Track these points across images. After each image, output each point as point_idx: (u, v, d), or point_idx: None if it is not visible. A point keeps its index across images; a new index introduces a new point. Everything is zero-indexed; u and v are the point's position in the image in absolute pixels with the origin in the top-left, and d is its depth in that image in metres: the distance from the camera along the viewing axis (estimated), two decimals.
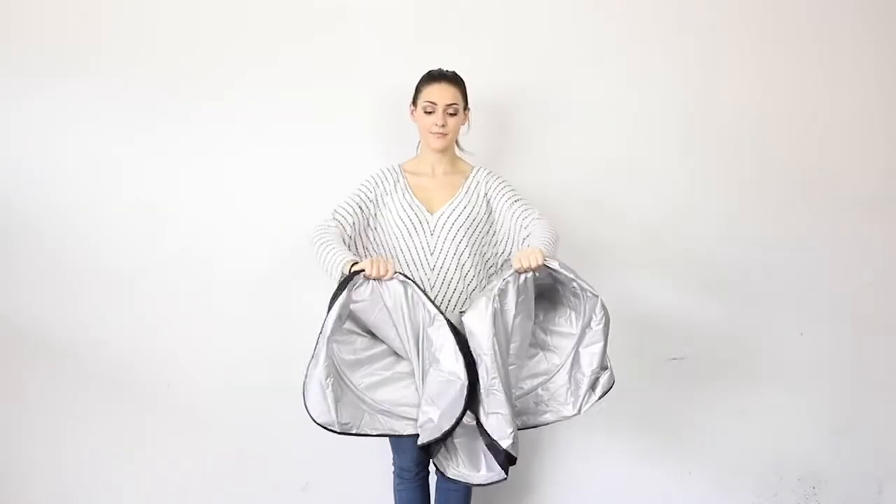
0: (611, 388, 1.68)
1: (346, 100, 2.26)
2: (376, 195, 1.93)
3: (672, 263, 2.46)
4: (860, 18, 2.46)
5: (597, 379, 1.66)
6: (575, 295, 1.69)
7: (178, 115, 2.21)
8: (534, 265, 1.66)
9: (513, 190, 1.95)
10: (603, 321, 1.65)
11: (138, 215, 2.23)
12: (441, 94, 1.90)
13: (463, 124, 2.00)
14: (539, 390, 1.74)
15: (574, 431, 2.51)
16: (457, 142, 2.05)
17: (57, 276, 2.22)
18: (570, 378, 1.70)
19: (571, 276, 1.63)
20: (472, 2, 2.29)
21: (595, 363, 1.65)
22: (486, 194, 1.93)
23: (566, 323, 1.74)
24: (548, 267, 1.65)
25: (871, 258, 2.56)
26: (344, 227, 1.89)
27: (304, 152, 2.27)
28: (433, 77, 1.94)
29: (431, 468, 2.08)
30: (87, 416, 2.30)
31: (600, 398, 1.68)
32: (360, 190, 1.95)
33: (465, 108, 1.98)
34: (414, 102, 1.97)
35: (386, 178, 1.96)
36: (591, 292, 1.64)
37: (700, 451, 2.57)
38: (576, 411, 1.68)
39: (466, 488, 2.06)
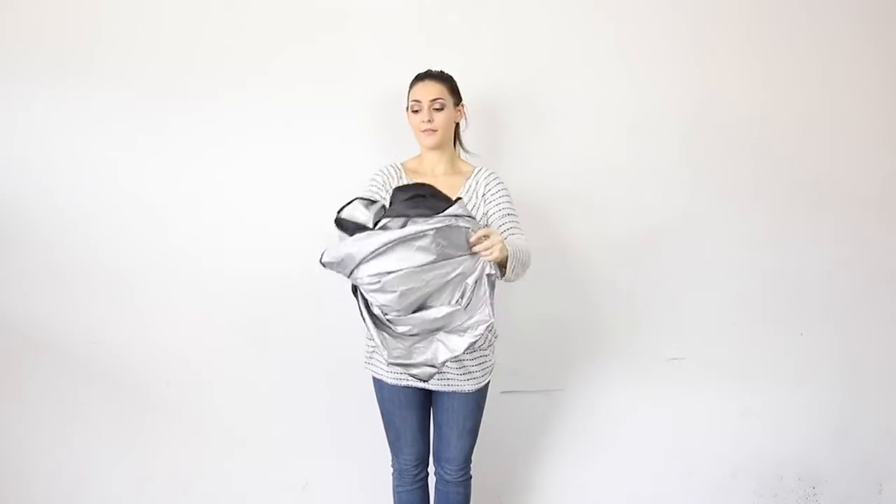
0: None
1: (346, 101, 2.26)
2: (386, 193, 1.91)
3: (671, 263, 2.46)
4: (861, 19, 2.46)
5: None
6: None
7: (179, 116, 2.21)
8: (493, 257, 1.65)
9: (509, 202, 1.92)
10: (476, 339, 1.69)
11: (138, 215, 2.23)
12: (425, 90, 1.91)
13: (458, 120, 2.00)
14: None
15: (575, 431, 2.52)
16: (460, 142, 2.05)
17: (57, 276, 2.22)
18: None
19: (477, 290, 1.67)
20: (472, 3, 2.29)
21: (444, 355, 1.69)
22: (483, 194, 1.93)
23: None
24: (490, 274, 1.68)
25: (871, 258, 2.55)
26: None
27: (305, 153, 2.26)
28: (418, 77, 1.96)
29: (430, 469, 2.09)
30: (87, 417, 2.30)
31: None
32: (370, 190, 1.93)
33: (457, 104, 1.98)
34: (407, 107, 1.98)
35: (390, 175, 1.95)
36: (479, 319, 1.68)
37: (700, 451, 2.58)
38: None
39: (466, 489, 2.06)
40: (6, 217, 2.19)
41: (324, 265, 1.67)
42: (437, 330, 1.70)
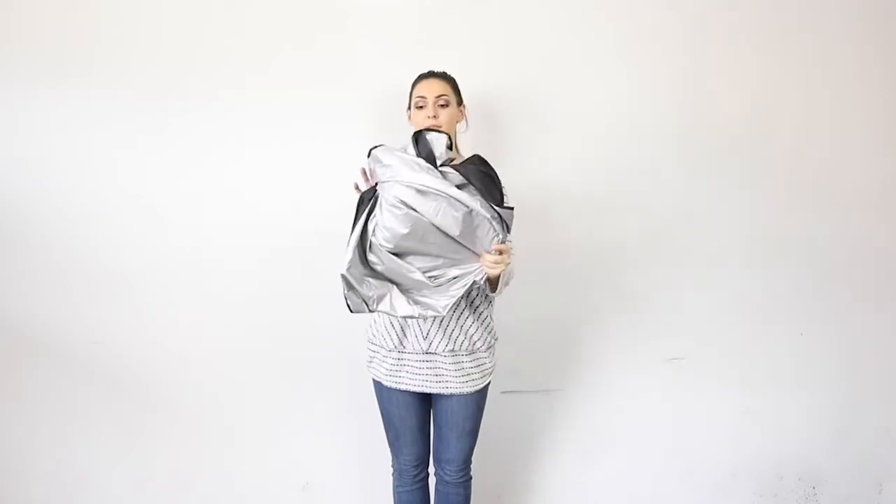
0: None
1: (346, 101, 2.25)
2: None
3: (671, 263, 2.46)
4: (861, 19, 2.45)
5: None
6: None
7: (179, 116, 2.20)
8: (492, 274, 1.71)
9: None
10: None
11: (138, 216, 2.23)
12: (430, 87, 1.92)
13: (459, 121, 2.00)
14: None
15: (574, 430, 2.52)
16: (456, 144, 2.04)
17: (57, 276, 2.22)
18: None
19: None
20: (473, 3, 2.28)
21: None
22: None
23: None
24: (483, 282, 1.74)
25: (871, 258, 2.55)
26: None
27: (305, 153, 2.26)
28: (421, 76, 1.97)
29: (431, 469, 2.08)
30: (87, 417, 2.30)
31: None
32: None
33: (459, 103, 1.99)
34: (409, 106, 1.98)
35: None
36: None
37: (700, 451, 2.58)
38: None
39: (466, 490, 2.06)
40: (6, 217, 2.19)
41: (370, 155, 1.70)
42: (397, 284, 1.72)
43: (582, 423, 2.52)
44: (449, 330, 1.87)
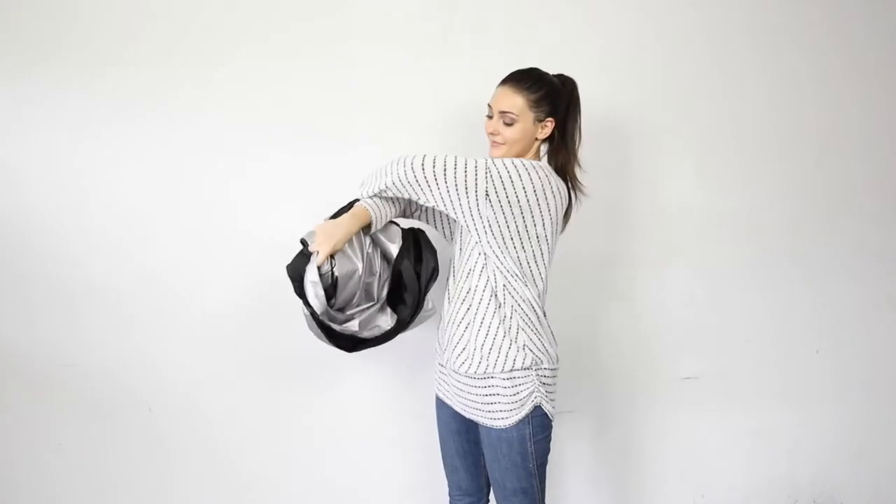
0: None
1: (344, 105, 2.14)
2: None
3: (684, 281, 2.39)
4: (866, 18, 2.41)
5: None
6: None
7: (168, 123, 2.07)
8: None
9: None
10: None
11: (119, 227, 2.08)
12: (499, 99, 1.63)
13: (540, 136, 1.65)
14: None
15: (584, 452, 2.43)
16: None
17: (29, 292, 2.06)
18: None
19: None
20: (474, 5, 2.19)
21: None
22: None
23: None
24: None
25: (889, 273, 2.51)
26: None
27: (298, 162, 2.14)
28: (503, 79, 1.66)
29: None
30: (65, 445, 2.14)
31: None
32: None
33: (543, 118, 1.63)
34: None
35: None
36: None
37: (713, 473, 2.51)
38: None
39: None
40: None
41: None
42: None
43: (593, 443, 2.43)
44: (454, 339, 1.65)
